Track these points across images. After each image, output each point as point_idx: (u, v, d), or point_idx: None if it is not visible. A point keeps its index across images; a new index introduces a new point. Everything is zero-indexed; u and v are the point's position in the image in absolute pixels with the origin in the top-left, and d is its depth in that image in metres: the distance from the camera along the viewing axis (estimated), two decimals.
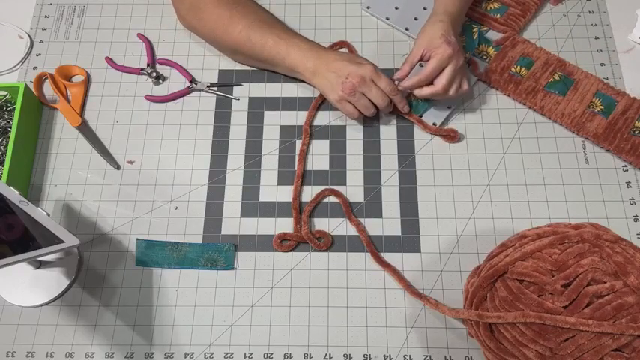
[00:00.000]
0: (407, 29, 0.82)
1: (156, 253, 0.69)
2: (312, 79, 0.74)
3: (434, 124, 0.76)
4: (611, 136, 0.74)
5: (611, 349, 0.51)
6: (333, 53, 0.74)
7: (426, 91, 0.72)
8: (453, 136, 0.74)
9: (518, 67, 0.79)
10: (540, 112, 0.76)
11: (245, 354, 0.65)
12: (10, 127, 0.74)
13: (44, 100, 0.79)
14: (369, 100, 0.72)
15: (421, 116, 0.76)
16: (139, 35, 0.83)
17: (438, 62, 0.69)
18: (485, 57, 0.80)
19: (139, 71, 0.80)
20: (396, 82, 0.73)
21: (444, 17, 0.72)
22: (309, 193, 0.73)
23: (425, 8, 0.83)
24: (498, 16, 0.82)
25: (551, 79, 0.77)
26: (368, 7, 0.84)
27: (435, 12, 0.75)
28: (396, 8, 0.84)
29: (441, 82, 0.70)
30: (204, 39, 0.81)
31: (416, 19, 0.83)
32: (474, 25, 0.82)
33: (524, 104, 0.77)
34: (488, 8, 0.83)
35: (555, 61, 0.79)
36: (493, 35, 0.82)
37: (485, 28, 0.82)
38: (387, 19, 0.83)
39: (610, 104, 0.75)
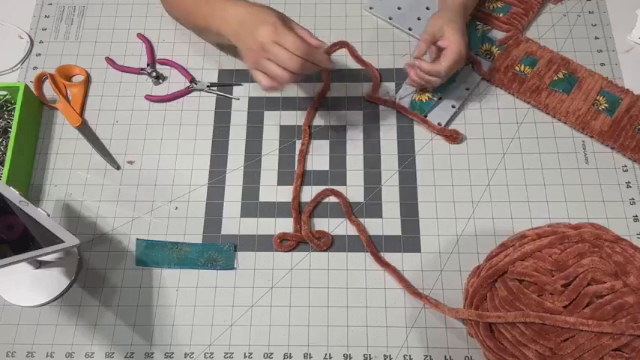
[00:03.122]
0: (410, 29, 0.82)
1: (156, 253, 0.69)
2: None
3: (439, 123, 0.76)
4: (616, 133, 0.74)
5: (611, 349, 0.51)
6: (242, 13, 0.65)
7: (427, 66, 0.70)
8: (455, 137, 0.74)
9: (522, 65, 0.79)
10: (545, 111, 0.76)
11: (245, 354, 0.65)
12: (10, 127, 0.74)
13: (44, 100, 0.79)
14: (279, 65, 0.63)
15: (426, 116, 0.76)
16: (139, 35, 0.83)
17: (452, 58, 0.69)
18: (488, 56, 0.80)
19: (139, 71, 0.80)
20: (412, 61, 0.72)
21: (461, 9, 0.73)
22: (309, 193, 0.73)
23: (428, 8, 0.83)
24: (501, 14, 0.82)
25: (555, 78, 0.77)
26: (371, 8, 0.84)
27: (451, 2, 0.74)
28: (399, 8, 0.84)
29: (443, 67, 0.70)
30: (186, 26, 0.81)
31: (419, 19, 0.83)
32: (477, 23, 0.82)
33: (529, 103, 0.77)
34: (492, 7, 0.83)
35: (559, 60, 0.79)
36: (497, 34, 0.82)
37: (489, 27, 0.82)
38: (390, 19, 0.83)
39: (614, 102, 0.75)
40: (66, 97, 0.79)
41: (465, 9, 0.74)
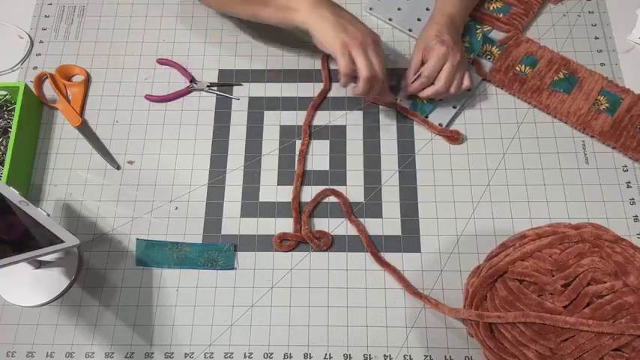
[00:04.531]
0: (410, 30, 0.82)
1: (156, 253, 0.69)
2: (307, 16, 0.67)
3: (440, 124, 0.76)
4: (617, 133, 0.74)
5: (611, 349, 0.51)
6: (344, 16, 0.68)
7: (428, 91, 0.73)
8: (456, 138, 0.74)
9: (523, 66, 0.78)
10: (546, 111, 0.76)
11: (245, 354, 0.65)
12: (10, 127, 0.74)
13: (44, 100, 0.79)
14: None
15: (427, 117, 0.76)
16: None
17: (433, 62, 0.71)
18: (489, 56, 0.80)
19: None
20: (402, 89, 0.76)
21: (439, 19, 0.74)
22: (309, 193, 0.73)
23: (427, 9, 0.83)
24: (501, 15, 0.82)
25: (556, 78, 0.77)
26: (370, 9, 0.84)
27: (432, 14, 0.76)
28: (399, 9, 0.84)
29: (440, 80, 0.71)
30: (224, 11, 0.78)
31: (419, 19, 0.83)
32: (477, 26, 0.82)
33: (530, 103, 0.77)
34: (491, 8, 0.83)
35: (559, 60, 0.79)
36: (497, 35, 0.82)
37: (489, 28, 0.82)
38: (390, 20, 0.83)
39: (615, 102, 0.75)
40: (66, 97, 0.79)
41: (453, 20, 0.74)
